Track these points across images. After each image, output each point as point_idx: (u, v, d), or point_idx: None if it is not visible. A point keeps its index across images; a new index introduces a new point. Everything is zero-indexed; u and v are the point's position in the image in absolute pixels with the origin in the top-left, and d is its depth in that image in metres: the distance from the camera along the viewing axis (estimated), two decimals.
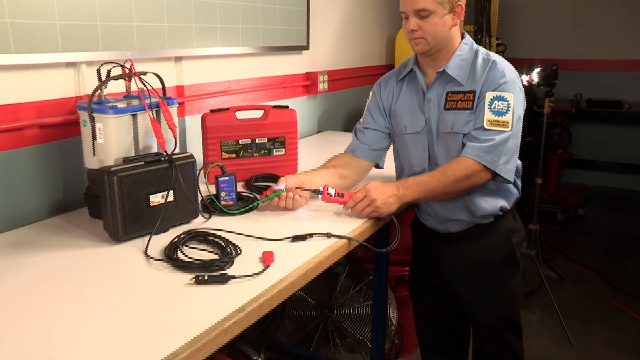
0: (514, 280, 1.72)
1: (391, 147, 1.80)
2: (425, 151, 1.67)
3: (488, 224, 1.66)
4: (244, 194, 1.70)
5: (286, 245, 1.35)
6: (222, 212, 1.56)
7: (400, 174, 1.82)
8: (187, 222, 1.49)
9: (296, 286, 1.18)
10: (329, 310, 2.35)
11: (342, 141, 1.88)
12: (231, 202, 1.63)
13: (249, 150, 1.90)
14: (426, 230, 1.76)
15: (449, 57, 1.60)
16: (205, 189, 1.62)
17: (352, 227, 1.47)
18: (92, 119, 1.43)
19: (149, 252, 1.29)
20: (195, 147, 2.06)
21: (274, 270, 1.20)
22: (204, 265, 1.20)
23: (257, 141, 1.91)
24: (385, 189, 1.51)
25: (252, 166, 1.91)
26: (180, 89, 2.05)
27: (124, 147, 1.46)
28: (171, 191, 1.42)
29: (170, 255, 1.25)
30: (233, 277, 1.15)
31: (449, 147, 1.61)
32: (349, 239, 1.39)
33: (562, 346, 2.65)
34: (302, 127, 2.78)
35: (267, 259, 1.23)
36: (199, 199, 1.58)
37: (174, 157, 1.43)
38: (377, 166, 1.82)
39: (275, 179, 1.89)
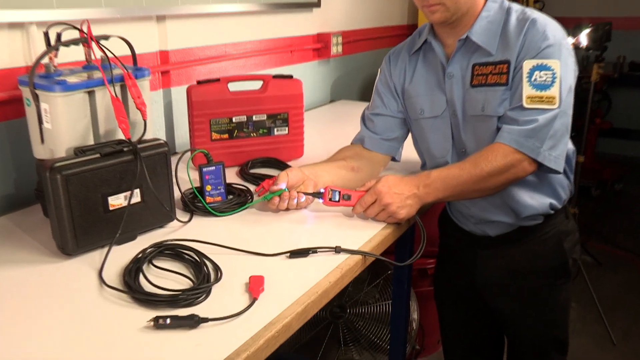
0: (564, 292, 1.41)
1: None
2: (447, 139, 1.34)
3: (535, 226, 1.34)
4: (236, 187, 1.39)
5: (282, 264, 1.04)
6: (207, 211, 1.25)
7: (423, 164, 1.50)
8: (161, 227, 1.19)
9: (291, 329, 0.89)
10: (341, 310, 2.06)
11: (357, 112, 1.55)
12: (219, 198, 1.33)
13: (244, 130, 1.58)
14: (457, 231, 1.45)
15: (472, 20, 1.25)
16: (192, 181, 1.31)
17: (368, 234, 1.16)
18: (36, 97, 1.12)
19: (106, 273, 1.00)
20: (183, 126, 1.75)
21: (263, 306, 0.90)
22: (170, 299, 0.91)
23: (254, 118, 1.58)
24: (402, 187, 1.19)
25: (248, 149, 1.60)
26: (164, 55, 1.72)
27: (79, 134, 1.15)
28: (137, 190, 1.11)
29: (129, 282, 0.95)
30: (205, 320, 0.85)
31: (480, 133, 1.28)
32: (363, 254, 1.08)
33: (603, 347, 2.36)
34: (312, 97, 2.45)
35: (254, 288, 0.93)
36: (179, 195, 1.28)
37: (141, 145, 1.12)
38: (393, 159, 1.50)
39: (276, 164, 1.58)
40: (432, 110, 1.35)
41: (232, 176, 1.53)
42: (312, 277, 0.99)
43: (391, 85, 1.43)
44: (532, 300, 1.40)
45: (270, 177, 1.45)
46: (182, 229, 1.19)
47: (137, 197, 1.11)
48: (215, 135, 1.55)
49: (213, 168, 1.31)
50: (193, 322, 0.84)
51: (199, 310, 0.89)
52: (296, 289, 0.95)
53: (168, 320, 0.83)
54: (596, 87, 4.08)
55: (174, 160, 1.20)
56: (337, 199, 1.22)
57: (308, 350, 2.09)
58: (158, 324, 0.83)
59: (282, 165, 1.59)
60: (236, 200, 1.31)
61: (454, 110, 1.31)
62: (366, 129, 1.48)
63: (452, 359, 1.69)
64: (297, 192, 1.23)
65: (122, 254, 1.06)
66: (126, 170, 1.09)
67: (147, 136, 1.20)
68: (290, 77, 1.63)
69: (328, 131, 2.03)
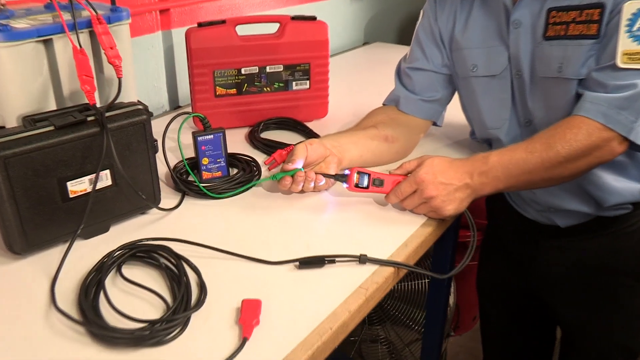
0: None
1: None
2: (505, 106, 1.05)
3: (619, 217, 1.05)
4: (242, 157, 1.13)
5: (288, 277, 0.80)
6: (202, 193, 1.00)
7: (472, 132, 1.20)
8: (143, 213, 0.95)
9: None
10: None
11: (396, 58, 1.25)
12: (219, 173, 1.07)
13: (256, 84, 1.30)
14: (513, 216, 1.17)
15: None
16: (186, 152, 1.06)
17: (404, 233, 0.90)
18: None
19: (63, 283, 0.77)
20: (187, 76, 1.47)
21: (255, 350, 0.66)
22: (134, 336, 0.67)
23: (268, 70, 1.30)
24: (451, 175, 0.91)
25: (260, 107, 1.33)
26: None
27: (33, 97, 0.89)
28: (105, 172, 0.86)
29: (84, 307, 0.72)
30: None
31: (552, 100, 0.98)
32: (396, 265, 0.82)
33: None
34: (342, 39, 2.12)
35: (246, 320, 0.69)
36: (169, 171, 1.03)
37: (110, 113, 0.86)
38: (434, 124, 1.21)
39: (293, 125, 1.31)
40: (488, 67, 1.05)
41: (239, 141, 1.27)
42: (327, 301, 0.74)
43: (436, 32, 1.12)
44: (604, 302, 1.13)
45: (284, 145, 1.18)
46: (167, 217, 0.95)
47: (106, 180, 0.87)
48: (220, 90, 1.28)
49: (211, 137, 1.05)
50: None
51: (170, 350, 0.66)
52: (303, 322, 0.70)
53: None
54: None
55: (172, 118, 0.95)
56: (365, 184, 0.95)
57: None
58: None
59: (300, 128, 1.32)
60: (239, 177, 1.05)
61: (519, 70, 1.01)
62: (402, 87, 1.18)
63: (491, 353, 1.46)
64: (316, 174, 0.97)
65: (90, 250, 0.84)
66: (90, 147, 0.83)
67: (128, 98, 0.94)
68: (314, 18, 1.32)
69: (359, 83, 1.72)
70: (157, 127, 1.02)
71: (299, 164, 0.97)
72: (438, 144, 1.25)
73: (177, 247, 0.84)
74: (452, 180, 0.90)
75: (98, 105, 0.88)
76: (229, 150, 1.09)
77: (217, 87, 1.27)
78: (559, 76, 0.94)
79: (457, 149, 1.22)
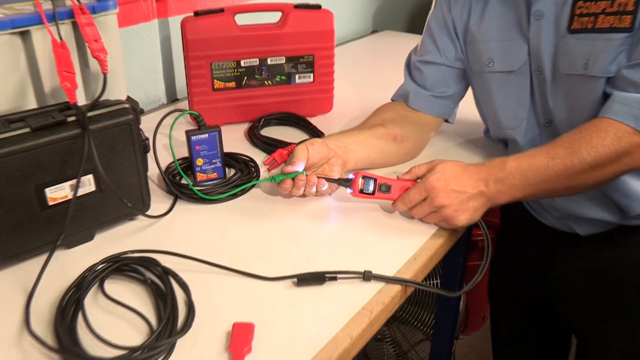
0: None
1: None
2: (523, 104, 0.97)
3: None
4: (239, 157, 1.06)
5: (285, 295, 0.72)
6: (195, 196, 0.93)
7: (487, 130, 1.12)
8: (132, 219, 0.89)
9: None
10: None
11: (406, 47, 1.17)
12: (214, 175, 1.00)
13: (256, 77, 1.23)
14: (529, 220, 1.09)
15: None
16: (179, 152, 0.99)
17: (412, 245, 0.83)
18: None
19: (39, 300, 0.71)
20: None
21: None
22: None
23: (269, 62, 1.22)
24: (464, 182, 0.83)
25: (260, 101, 1.25)
26: None
27: (10, 94, 0.82)
28: (88, 177, 0.80)
29: (60, 332, 0.65)
30: None
31: (576, 100, 0.89)
32: (403, 282, 0.75)
33: None
34: (349, 27, 2.03)
35: (237, 348, 0.62)
36: (164, 171, 0.96)
37: (92, 113, 0.79)
38: (446, 121, 1.13)
39: (295, 121, 1.24)
40: (505, 62, 0.96)
41: (238, 137, 1.20)
42: (326, 325, 0.67)
43: (449, 23, 1.03)
44: (624, 314, 1.05)
45: (285, 144, 1.11)
46: (158, 223, 0.88)
47: (89, 186, 0.80)
48: (218, 84, 1.20)
49: (205, 136, 0.97)
50: None
51: None
52: (300, 350, 0.63)
53: None
54: None
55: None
56: (371, 190, 0.88)
57: None
58: None
59: (302, 124, 1.24)
60: (236, 179, 0.98)
61: (539, 66, 0.92)
62: (412, 82, 1.10)
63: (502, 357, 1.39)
64: (318, 178, 0.89)
65: (72, 261, 0.77)
66: (71, 150, 0.76)
67: (117, 94, 0.87)
68: (318, 7, 1.24)
69: (367, 75, 1.64)
70: (153, 121, 0.96)
71: (299, 166, 0.90)
72: (449, 142, 1.17)
73: (165, 260, 0.77)
74: (466, 188, 0.82)
75: (84, 102, 0.81)
76: (227, 149, 1.02)
77: (215, 81, 1.20)
78: (584, 73, 0.86)
79: (470, 149, 1.14)
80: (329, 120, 1.29)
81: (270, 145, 1.12)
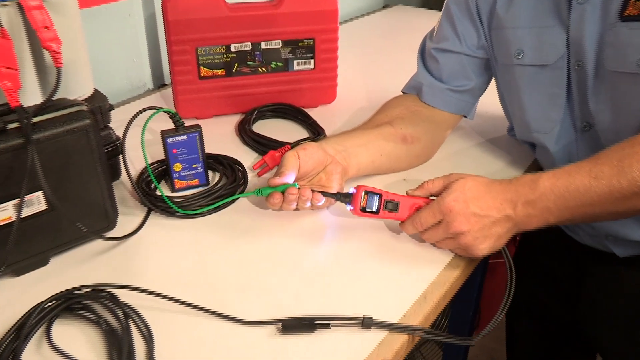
0: None
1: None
2: (558, 105, 0.82)
3: None
4: (224, 160, 0.92)
5: (267, 346, 0.60)
6: (171, 209, 0.80)
7: (511, 128, 0.98)
8: (100, 236, 0.76)
9: None
10: None
11: (420, 25, 1.02)
12: (195, 181, 0.87)
13: (249, 64, 1.08)
14: (558, 235, 0.96)
15: None
16: (153, 155, 0.86)
17: (423, 279, 0.69)
18: None
19: None
20: None
21: None
22: None
23: (263, 47, 1.07)
24: (487, 204, 0.69)
25: (253, 91, 1.11)
26: None
27: None
28: (38, 194, 0.67)
29: None
30: None
31: (626, 102, 0.74)
32: (410, 330, 0.62)
33: None
34: (356, 1, 1.86)
35: None
36: (129, 180, 0.83)
37: (39, 118, 0.65)
38: (464, 116, 0.98)
39: (293, 113, 1.11)
40: (538, 54, 0.81)
41: (227, 132, 1.06)
42: None
43: (472, 6, 0.88)
44: None
45: (278, 145, 0.97)
46: (125, 243, 0.76)
47: (39, 205, 0.67)
48: (205, 71, 1.06)
49: (184, 137, 0.84)
50: None
51: None
52: None
53: None
54: None
55: (154, 101, 0.76)
56: (375, 208, 0.74)
57: None
58: None
59: (301, 118, 1.10)
60: (220, 189, 0.84)
61: (580, 59, 0.77)
62: (426, 73, 0.95)
63: None
64: (313, 192, 0.76)
65: (21, 292, 0.66)
66: (13, 164, 0.63)
67: (81, 90, 0.74)
68: None
69: (376, 58, 1.48)
70: (134, 110, 0.82)
71: (289, 177, 0.76)
72: (467, 142, 1.02)
73: (128, 295, 0.65)
74: (489, 211, 0.69)
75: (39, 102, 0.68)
76: (215, 145, 0.90)
77: (202, 68, 1.05)
78: (638, 72, 0.71)
79: (491, 150, 1.00)
80: (331, 112, 1.15)
81: (261, 145, 0.98)
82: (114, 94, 1.21)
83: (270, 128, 1.06)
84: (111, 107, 0.85)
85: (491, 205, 0.69)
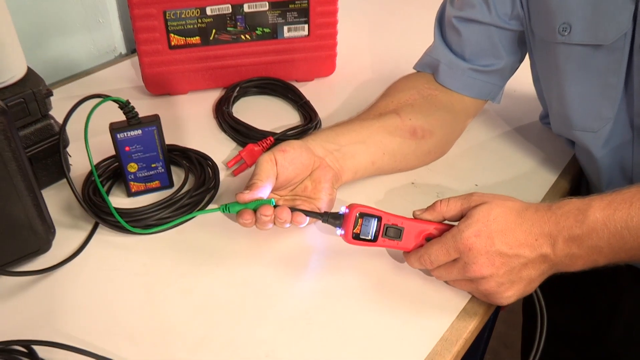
0: None
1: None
2: (612, 97, 0.64)
3: None
4: (192, 154, 0.76)
5: None
6: (119, 225, 0.65)
7: (544, 116, 0.81)
8: (30, 260, 0.61)
9: None
10: None
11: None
12: (156, 184, 0.71)
13: (229, 30, 0.90)
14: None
15: None
16: (100, 155, 0.70)
17: (431, 333, 0.54)
18: None
19: None
20: None
21: None
22: None
23: (246, 9, 0.88)
24: (516, 240, 0.52)
25: (235, 62, 0.93)
26: None
27: None
28: None
29: None
30: None
31: None
32: None
33: None
34: None
35: None
36: (72, 190, 0.67)
37: None
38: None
39: (283, 91, 0.94)
40: (591, 30, 0.62)
41: (203, 113, 0.89)
42: None
43: None
44: None
45: (259, 136, 0.80)
46: (58, 274, 0.61)
47: None
48: (176, 40, 0.88)
49: (138, 132, 0.67)
50: None
51: None
52: None
53: None
54: None
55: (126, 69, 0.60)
56: (371, 235, 0.58)
57: None
58: None
59: (290, 96, 0.92)
60: (185, 196, 0.68)
61: None
62: (444, 47, 0.77)
63: None
64: (293, 211, 0.59)
65: None
66: None
67: (6, 74, 0.57)
68: None
69: (384, 21, 1.26)
70: (106, 80, 0.66)
71: (261, 191, 0.59)
72: (489, 132, 0.85)
73: (50, 351, 0.51)
74: (520, 250, 0.52)
75: None
76: (188, 129, 0.74)
77: (172, 35, 0.87)
78: None
79: (518, 143, 0.82)
80: (329, 87, 0.97)
81: (240, 134, 0.81)
82: (75, 62, 1.04)
83: (254, 109, 0.89)
84: (49, 93, 0.69)
85: (523, 241, 0.52)
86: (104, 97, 0.65)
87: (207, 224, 0.67)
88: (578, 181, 0.78)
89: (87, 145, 0.64)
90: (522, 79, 0.79)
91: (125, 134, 0.67)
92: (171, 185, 0.73)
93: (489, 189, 0.73)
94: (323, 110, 0.88)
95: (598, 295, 0.83)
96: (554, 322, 0.95)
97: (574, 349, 0.91)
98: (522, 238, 0.52)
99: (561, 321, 0.94)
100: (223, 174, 0.75)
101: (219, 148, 0.80)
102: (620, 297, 0.80)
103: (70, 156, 0.75)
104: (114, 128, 0.66)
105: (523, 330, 1.02)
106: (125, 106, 0.66)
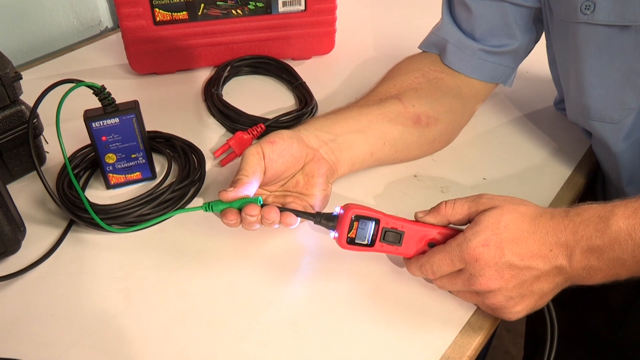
0: None
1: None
2: (636, 85, 0.57)
3: None
4: (177, 142, 0.70)
5: None
6: (95, 222, 0.60)
7: (558, 101, 0.74)
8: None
9: None
10: None
11: None
12: (137, 175, 0.66)
13: (218, 4, 0.83)
14: None
15: None
16: (73, 146, 0.64)
17: (431, 352, 0.49)
18: None
19: None
20: None
21: None
22: None
23: None
24: (529, 250, 0.47)
25: (227, 39, 0.86)
26: None
27: None
28: None
29: None
30: None
31: None
32: None
33: None
34: None
35: None
36: (44, 184, 0.62)
37: None
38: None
39: (277, 72, 0.88)
40: (619, 8, 0.55)
41: (191, 95, 0.83)
42: None
43: None
44: None
45: (250, 122, 0.74)
46: (26, 278, 0.56)
47: None
48: (161, 15, 0.81)
49: (115, 121, 0.62)
50: None
51: None
52: None
53: None
54: None
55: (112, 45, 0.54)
56: (368, 239, 0.52)
57: None
58: None
59: (285, 77, 0.86)
60: (167, 190, 0.63)
61: None
62: (453, 24, 0.70)
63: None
64: (282, 211, 0.54)
65: None
66: None
67: None
68: None
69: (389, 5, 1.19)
70: (89, 58, 0.61)
71: (247, 188, 0.54)
72: (499, 118, 0.79)
73: None
74: (532, 261, 0.47)
75: None
76: (167, 117, 0.68)
77: (157, 10, 0.81)
78: None
79: (531, 131, 0.76)
80: (327, 65, 0.91)
81: (230, 120, 0.75)
82: (55, 37, 0.97)
83: (246, 90, 0.83)
84: (18, 76, 0.63)
85: (536, 252, 0.47)
86: (77, 82, 0.59)
87: (191, 221, 0.62)
88: (595, 175, 0.72)
89: (60, 136, 0.59)
90: (537, 58, 0.72)
91: (101, 122, 0.61)
92: (154, 176, 0.67)
93: (497, 182, 0.67)
94: (320, 91, 0.82)
95: (610, 297, 0.78)
96: (564, 323, 0.91)
97: (586, 349, 0.87)
98: (535, 248, 0.47)
99: (573, 321, 0.89)
100: (210, 164, 0.69)
101: (207, 134, 0.74)
102: (632, 299, 0.75)
103: (47, 142, 0.70)
104: (89, 117, 0.61)
105: (526, 335, 0.98)
106: (100, 92, 0.60)
